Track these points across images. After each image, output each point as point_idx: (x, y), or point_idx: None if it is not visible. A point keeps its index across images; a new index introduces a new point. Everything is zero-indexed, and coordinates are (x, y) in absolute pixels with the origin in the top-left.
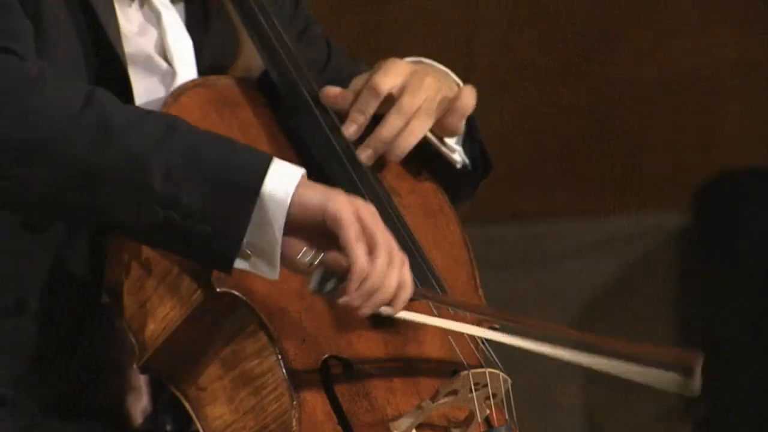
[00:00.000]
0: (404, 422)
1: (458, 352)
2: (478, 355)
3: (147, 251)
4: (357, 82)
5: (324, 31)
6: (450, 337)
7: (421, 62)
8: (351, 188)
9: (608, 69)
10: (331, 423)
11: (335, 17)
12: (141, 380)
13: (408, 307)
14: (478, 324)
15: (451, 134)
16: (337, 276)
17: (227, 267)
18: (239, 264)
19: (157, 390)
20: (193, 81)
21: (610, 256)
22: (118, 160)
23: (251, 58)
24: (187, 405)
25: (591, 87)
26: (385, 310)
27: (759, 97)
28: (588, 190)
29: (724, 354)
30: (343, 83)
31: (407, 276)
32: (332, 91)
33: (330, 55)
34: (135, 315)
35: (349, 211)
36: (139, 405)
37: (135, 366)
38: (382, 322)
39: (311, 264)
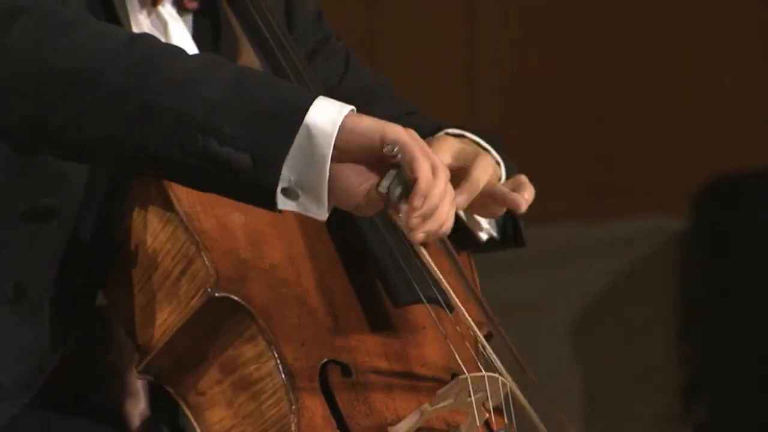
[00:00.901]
0: (403, 426)
1: (457, 356)
2: (477, 359)
3: (146, 255)
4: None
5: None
6: (449, 341)
7: (463, 136)
8: None
9: (608, 71)
10: (329, 428)
11: (334, 21)
12: (139, 384)
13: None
14: (478, 326)
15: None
16: (404, 186)
17: (271, 201)
18: (288, 205)
19: (154, 394)
20: None
21: (611, 260)
22: (160, 88)
23: (251, 63)
24: (186, 410)
25: (591, 89)
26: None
27: (760, 98)
28: (588, 193)
29: (726, 356)
30: (359, 98)
31: (452, 211)
32: None
33: (347, 70)
34: (134, 319)
35: (408, 134)
36: (137, 409)
37: (134, 371)
38: (382, 325)
39: (395, 156)
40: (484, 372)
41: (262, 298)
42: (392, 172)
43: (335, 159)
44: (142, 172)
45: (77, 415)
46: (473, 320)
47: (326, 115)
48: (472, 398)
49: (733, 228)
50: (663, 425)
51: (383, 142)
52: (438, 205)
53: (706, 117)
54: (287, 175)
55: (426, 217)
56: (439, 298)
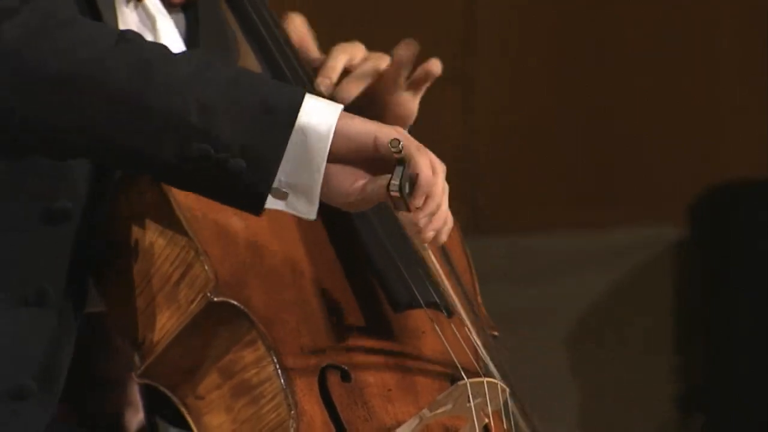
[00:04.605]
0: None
1: (456, 361)
2: (476, 364)
3: (145, 260)
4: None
5: None
6: (448, 346)
7: None
8: None
9: (606, 79)
10: None
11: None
12: (138, 394)
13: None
14: (477, 330)
15: None
16: (410, 182)
17: (259, 206)
18: (276, 204)
19: (151, 405)
20: None
21: (609, 269)
22: (153, 92)
23: (250, 65)
24: (186, 414)
25: (589, 97)
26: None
27: (760, 103)
28: (584, 203)
29: (724, 367)
30: None
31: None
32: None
33: None
34: (133, 324)
35: (401, 134)
36: (136, 419)
37: (133, 378)
38: (382, 330)
39: (399, 151)
40: (483, 377)
41: (261, 303)
42: (399, 169)
43: (327, 160)
44: (134, 172)
45: (75, 426)
46: (472, 325)
47: (320, 117)
48: (471, 403)
49: (731, 237)
50: None
51: (377, 143)
52: (441, 202)
53: (704, 124)
54: (279, 176)
55: (432, 215)
56: (439, 303)
